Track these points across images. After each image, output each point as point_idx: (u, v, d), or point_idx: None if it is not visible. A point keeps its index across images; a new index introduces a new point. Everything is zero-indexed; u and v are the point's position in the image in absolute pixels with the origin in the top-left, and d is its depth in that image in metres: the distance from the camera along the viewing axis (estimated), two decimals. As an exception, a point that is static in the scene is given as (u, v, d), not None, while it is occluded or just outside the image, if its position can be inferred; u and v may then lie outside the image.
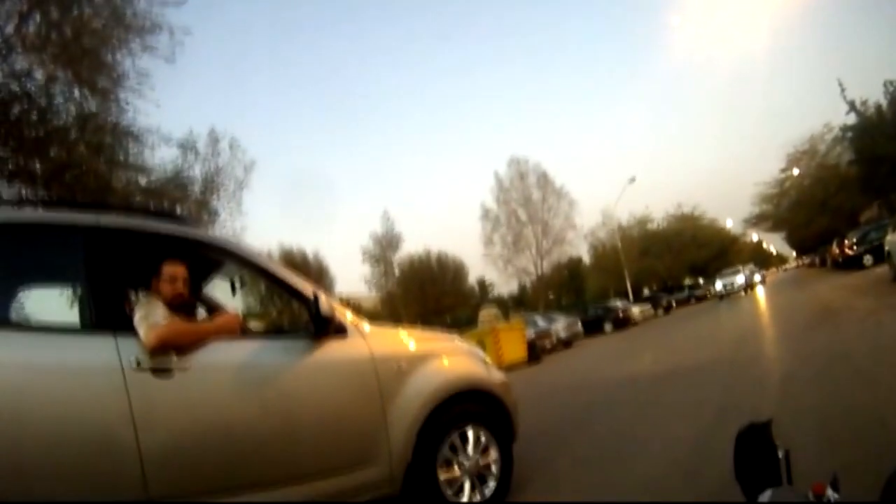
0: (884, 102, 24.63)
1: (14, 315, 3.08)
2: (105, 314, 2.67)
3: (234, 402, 2.76)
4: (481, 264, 49.27)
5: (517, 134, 78.29)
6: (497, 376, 3.85)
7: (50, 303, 3.54)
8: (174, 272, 2.98)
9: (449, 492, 3.25)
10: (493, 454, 3.50)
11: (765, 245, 78.66)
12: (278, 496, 2.75)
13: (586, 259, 49.68)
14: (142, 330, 2.59)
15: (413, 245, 47.49)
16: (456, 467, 3.32)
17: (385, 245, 40.64)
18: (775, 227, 50.93)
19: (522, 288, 48.49)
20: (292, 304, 3.33)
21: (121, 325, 2.62)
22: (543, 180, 41.59)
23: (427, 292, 41.59)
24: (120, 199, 10.87)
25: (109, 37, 10.95)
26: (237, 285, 3.73)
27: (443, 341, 3.84)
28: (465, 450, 3.38)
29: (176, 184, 12.87)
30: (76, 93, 11.03)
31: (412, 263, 42.78)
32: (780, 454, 1.21)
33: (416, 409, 3.21)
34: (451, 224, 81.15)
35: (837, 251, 27.12)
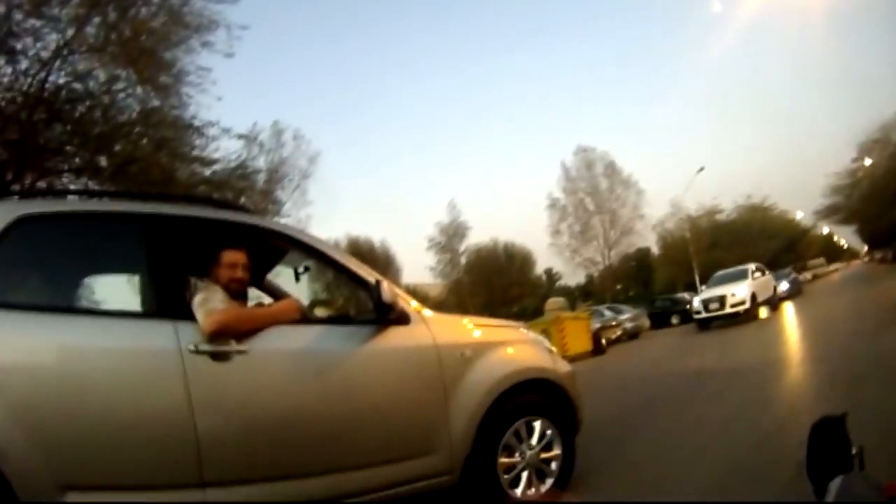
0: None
1: (77, 301, 3.16)
2: (164, 300, 2.69)
3: (292, 388, 2.75)
4: (548, 254, 48.50)
5: (584, 122, 77.84)
6: (563, 366, 3.72)
7: (113, 290, 3.62)
8: (234, 259, 2.98)
9: (508, 483, 3.16)
10: (556, 446, 3.38)
11: (835, 238, 74.63)
12: (335, 482, 2.73)
13: (655, 250, 48.39)
14: (200, 315, 2.59)
15: (480, 235, 47.20)
16: (517, 458, 3.22)
17: (451, 234, 41.04)
18: (847, 219, 48.12)
19: (590, 279, 48.00)
20: (357, 292, 3.28)
21: (180, 310, 2.64)
22: (611, 169, 41.16)
23: (494, 282, 41.46)
24: (184, 190, 11.12)
25: (167, 35, 11.18)
26: (300, 273, 3.73)
27: (508, 330, 3.75)
28: (527, 441, 3.28)
29: (240, 175, 13.07)
30: (138, 90, 11.36)
31: (479, 253, 42.71)
32: (854, 450, 1.18)
33: (478, 398, 3.12)
34: (518, 214, 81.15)
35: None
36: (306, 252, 3.24)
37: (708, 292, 18.66)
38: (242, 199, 12.41)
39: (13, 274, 2.74)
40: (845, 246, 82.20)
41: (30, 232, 2.60)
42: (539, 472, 3.29)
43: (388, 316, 2.93)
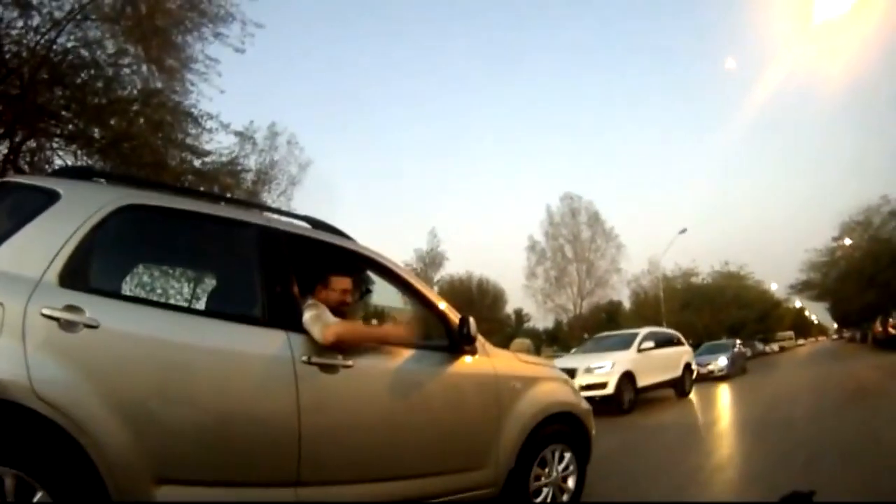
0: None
1: (191, 300, 3.41)
2: (277, 310, 2.84)
3: (385, 401, 3.08)
4: (520, 295, 47.94)
5: (573, 170, 79.36)
6: (584, 404, 4.30)
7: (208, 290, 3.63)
8: (343, 284, 3.30)
9: (535, 498, 3.70)
10: (572, 471, 3.95)
11: (807, 313, 77.13)
12: (408, 487, 3.09)
13: (627, 305, 48.54)
14: (316, 328, 2.80)
15: (455, 266, 47.26)
16: (543, 478, 3.77)
17: (428, 262, 41.20)
18: (820, 296, 48.96)
19: (558, 324, 48.56)
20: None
21: (290, 322, 2.82)
22: (594, 220, 42.04)
23: (462, 314, 41.26)
24: (172, 176, 11.06)
25: (182, 19, 11.24)
26: (363, 294, 4.06)
27: (546, 368, 4.30)
28: (552, 464, 3.84)
29: (229, 171, 12.99)
30: (143, 68, 11.37)
31: (452, 284, 42.81)
32: None
33: (523, 423, 3.64)
34: (495, 250, 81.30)
35: (881, 329, 25.85)
36: (402, 286, 3.56)
37: (564, 360, 13.26)
38: (228, 196, 12.42)
39: (113, 262, 2.83)
40: (816, 321, 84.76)
41: (134, 221, 2.64)
42: (557, 491, 3.84)
43: (466, 346, 3.44)
